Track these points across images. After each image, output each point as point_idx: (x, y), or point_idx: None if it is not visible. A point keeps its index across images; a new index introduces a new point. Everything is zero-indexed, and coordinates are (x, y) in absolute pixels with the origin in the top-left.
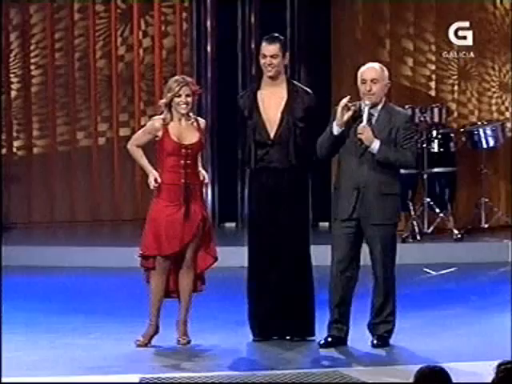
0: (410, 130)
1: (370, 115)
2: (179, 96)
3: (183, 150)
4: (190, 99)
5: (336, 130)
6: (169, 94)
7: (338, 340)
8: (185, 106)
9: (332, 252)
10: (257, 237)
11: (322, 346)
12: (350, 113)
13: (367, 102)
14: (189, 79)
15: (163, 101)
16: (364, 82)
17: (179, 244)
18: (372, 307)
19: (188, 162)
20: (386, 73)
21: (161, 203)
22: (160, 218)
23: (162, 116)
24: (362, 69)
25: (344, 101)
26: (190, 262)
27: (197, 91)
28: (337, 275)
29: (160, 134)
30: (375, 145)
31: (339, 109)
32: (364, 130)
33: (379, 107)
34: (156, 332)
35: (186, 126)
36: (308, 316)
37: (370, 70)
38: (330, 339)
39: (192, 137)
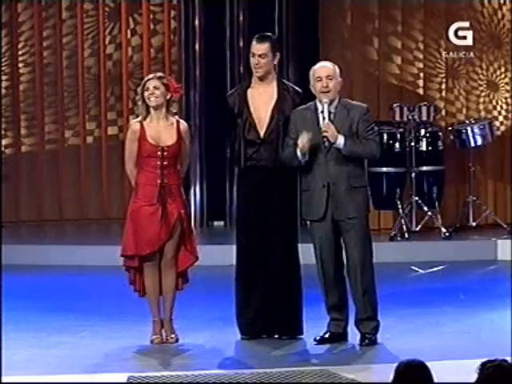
0: (369, 122)
1: (329, 112)
2: (147, 89)
3: (159, 153)
4: (158, 92)
5: (302, 159)
6: (139, 88)
7: (336, 336)
8: (153, 98)
9: (315, 254)
10: (244, 235)
11: (317, 342)
12: (308, 143)
13: (325, 100)
14: (160, 74)
15: (137, 97)
16: (320, 79)
17: (157, 243)
18: (356, 304)
19: (165, 163)
20: (338, 70)
21: (138, 203)
22: (138, 217)
23: (139, 118)
24: (315, 67)
25: (307, 136)
26: (171, 261)
27: (172, 86)
28: (326, 275)
29: (138, 135)
30: (340, 140)
31: (302, 143)
32: (328, 127)
33: (335, 104)
34: (162, 327)
35: (165, 127)
36: (296, 314)
37: (324, 68)
38: (326, 335)
39: (169, 138)
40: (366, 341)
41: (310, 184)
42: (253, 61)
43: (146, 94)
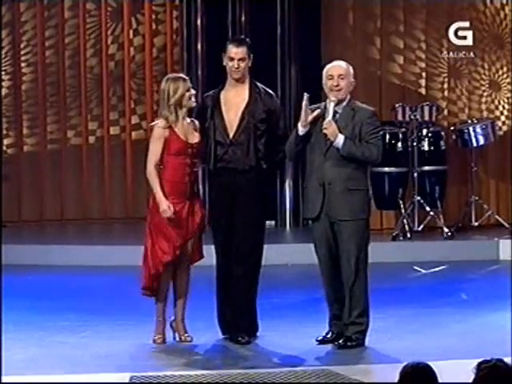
0: (373, 126)
1: (335, 112)
2: (188, 90)
3: (189, 150)
4: (194, 92)
5: (301, 130)
6: (180, 91)
7: (337, 336)
8: (194, 99)
9: (316, 252)
10: (217, 236)
11: (319, 342)
12: (314, 113)
13: (333, 98)
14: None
15: (175, 98)
16: (331, 77)
17: (184, 240)
18: (344, 307)
19: (194, 160)
20: (352, 71)
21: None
22: (162, 225)
23: (162, 119)
24: (329, 66)
25: (305, 101)
26: (188, 260)
27: None
28: (327, 275)
29: (167, 134)
30: (339, 140)
31: (303, 109)
32: (329, 125)
33: (344, 104)
34: (165, 327)
35: (188, 126)
36: (250, 315)
37: (337, 67)
38: (328, 335)
39: (194, 136)
40: (346, 343)
41: (308, 182)
42: (232, 64)
43: (187, 94)
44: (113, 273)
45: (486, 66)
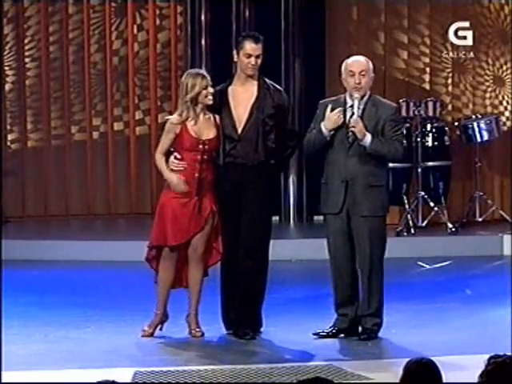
0: (396, 122)
1: (357, 108)
2: (206, 88)
3: (201, 146)
4: (212, 90)
5: (327, 133)
6: (196, 88)
7: (339, 331)
8: (211, 96)
9: (328, 248)
10: (224, 231)
11: (319, 337)
12: (340, 115)
13: (356, 95)
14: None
15: (190, 95)
16: (352, 74)
17: (186, 236)
18: (360, 300)
19: (205, 157)
20: (371, 65)
21: (169, 195)
22: (167, 209)
23: (177, 113)
24: (349, 61)
25: (338, 109)
26: (200, 255)
27: None
28: (337, 271)
29: (178, 130)
30: (367, 138)
31: (335, 113)
32: (357, 123)
33: (365, 99)
34: (163, 321)
35: (204, 122)
36: (255, 311)
37: (358, 63)
38: (329, 330)
39: (209, 132)
40: (365, 335)
41: (328, 178)
42: (249, 61)
43: (204, 92)
44: (117, 268)
45: (490, 62)
